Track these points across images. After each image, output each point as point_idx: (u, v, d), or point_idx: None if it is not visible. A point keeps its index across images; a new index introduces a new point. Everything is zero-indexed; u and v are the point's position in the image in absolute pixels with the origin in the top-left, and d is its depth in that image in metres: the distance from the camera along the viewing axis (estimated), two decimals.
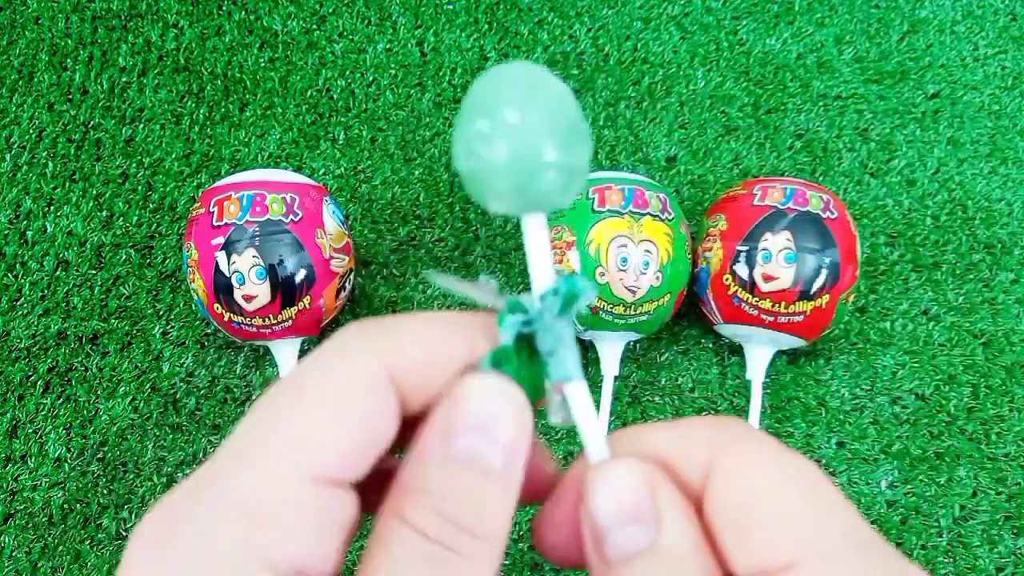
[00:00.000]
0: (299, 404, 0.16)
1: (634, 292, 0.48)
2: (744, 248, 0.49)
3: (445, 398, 0.17)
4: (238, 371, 0.55)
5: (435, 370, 0.18)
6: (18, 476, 0.52)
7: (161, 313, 0.56)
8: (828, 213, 0.49)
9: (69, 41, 0.65)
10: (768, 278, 0.48)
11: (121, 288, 0.57)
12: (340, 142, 0.61)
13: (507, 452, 0.17)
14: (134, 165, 0.60)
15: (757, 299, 0.49)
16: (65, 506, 0.52)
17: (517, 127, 0.16)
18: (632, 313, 0.49)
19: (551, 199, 0.17)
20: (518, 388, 0.17)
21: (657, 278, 0.49)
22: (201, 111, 0.62)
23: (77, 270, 0.57)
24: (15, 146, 0.61)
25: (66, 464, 0.53)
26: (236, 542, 0.15)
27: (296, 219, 0.48)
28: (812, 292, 0.48)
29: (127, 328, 0.56)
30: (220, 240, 0.47)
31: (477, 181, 0.17)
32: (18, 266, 0.58)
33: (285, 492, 0.15)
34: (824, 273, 0.48)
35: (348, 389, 0.16)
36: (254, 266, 0.47)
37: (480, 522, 0.16)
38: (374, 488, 0.18)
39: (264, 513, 0.15)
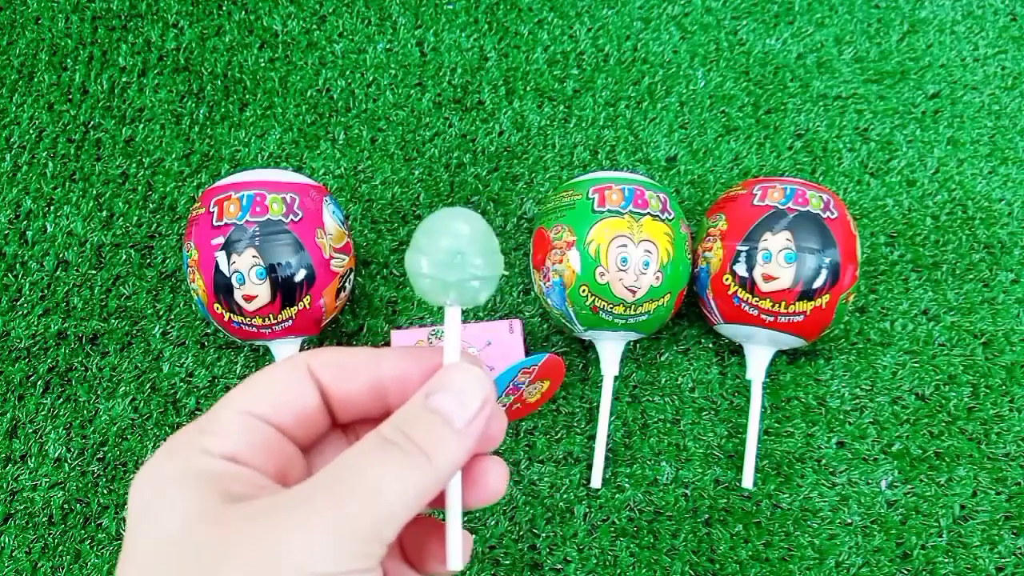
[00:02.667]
0: (250, 379, 0.25)
1: (634, 292, 0.48)
2: (744, 248, 0.49)
3: (437, 373, 0.25)
4: (238, 371, 0.55)
5: (346, 370, 0.25)
6: (18, 476, 0.52)
7: (161, 313, 0.56)
8: (828, 213, 0.49)
9: (69, 41, 0.65)
10: (768, 278, 0.48)
11: (121, 288, 0.57)
12: (340, 142, 0.61)
13: (469, 418, 0.23)
14: (134, 165, 0.60)
15: (757, 299, 0.49)
16: (65, 506, 0.52)
17: (461, 257, 0.25)
18: (632, 313, 0.49)
19: (475, 298, 0.26)
20: (491, 382, 0.25)
21: (657, 278, 0.49)
22: (201, 111, 0.62)
23: (77, 270, 0.57)
24: (15, 146, 0.61)
25: (66, 464, 0.53)
26: (186, 441, 0.23)
27: (296, 219, 0.48)
28: (812, 292, 0.48)
29: (127, 328, 0.56)
30: (220, 240, 0.47)
31: (431, 289, 0.26)
32: (18, 266, 0.58)
33: (224, 416, 0.23)
34: (824, 273, 0.48)
35: (277, 372, 0.25)
36: (254, 266, 0.47)
37: (433, 449, 0.22)
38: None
39: (207, 425, 0.23)
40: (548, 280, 0.50)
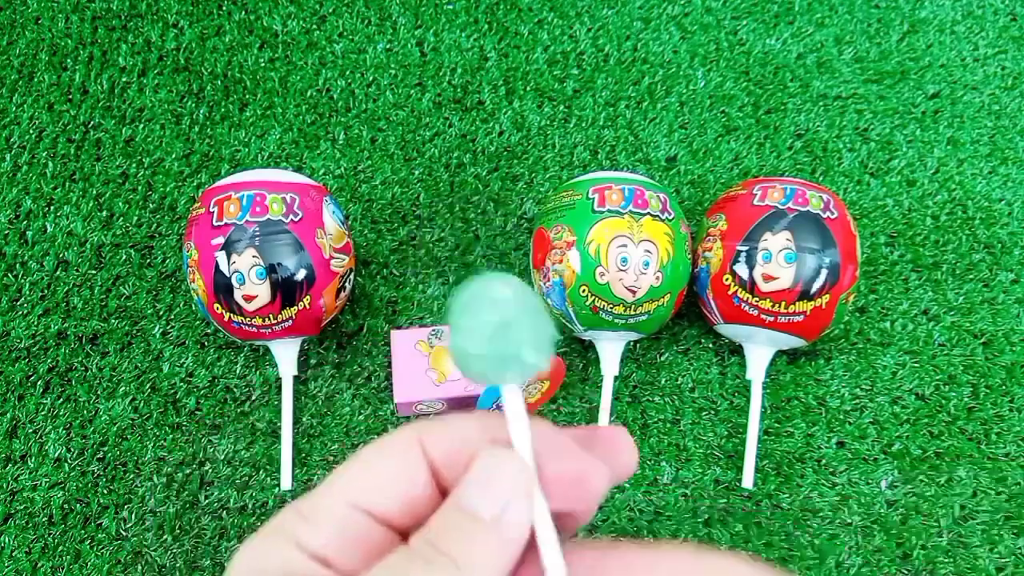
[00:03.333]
0: (360, 460, 0.23)
1: (634, 292, 0.48)
2: (744, 248, 0.49)
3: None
4: (238, 371, 0.55)
5: (461, 444, 0.22)
6: (18, 476, 0.52)
7: (161, 313, 0.56)
8: (828, 213, 0.49)
9: (69, 41, 0.65)
10: (768, 278, 0.48)
11: (121, 288, 0.57)
12: (340, 142, 0.61)
13: (502, 505, 0.21)
14: (134, 165, 0.60)
15: (757, 299, 0.49)
16: (65, 506, 0.52)
17: (509, 327, 0.22)
18: (632, 313, 0.49)
19: (535, 370, 0.23)
20: (522, 458, 0.22)
21: (657, 278, 0.49)
22: (201, 111, 0.62)
23: (77, 270, 0.57)
24: (15, 146, 0.61)
25: (66, 464, 0.53)
26: (286, 526, 0.22)
27: (296, 219, 0.48)
28: (812, 292, 0.48)
29: (127, 328, 0.56)
30: (220, 240, 0.47)
31: (486, 370, 0.23)
32: (18, 266, 0.58)
33: (327, 506, 0.22)
34: (824, 273, 0.48)
35: (386, 452, 0.22)
36: (254, 266, 0.47)
37: (459, 553, 0.20)
38: None
39: (311, 511, 0.22)
40: (548, 280, 0.50)
